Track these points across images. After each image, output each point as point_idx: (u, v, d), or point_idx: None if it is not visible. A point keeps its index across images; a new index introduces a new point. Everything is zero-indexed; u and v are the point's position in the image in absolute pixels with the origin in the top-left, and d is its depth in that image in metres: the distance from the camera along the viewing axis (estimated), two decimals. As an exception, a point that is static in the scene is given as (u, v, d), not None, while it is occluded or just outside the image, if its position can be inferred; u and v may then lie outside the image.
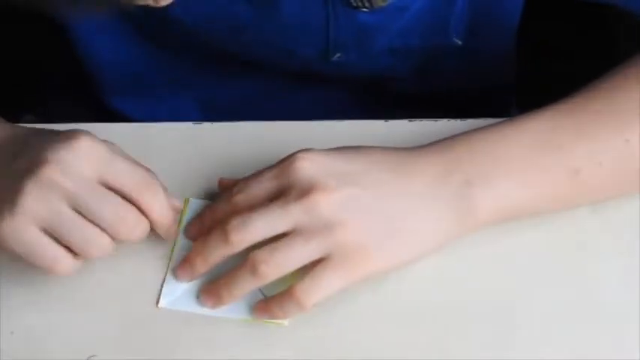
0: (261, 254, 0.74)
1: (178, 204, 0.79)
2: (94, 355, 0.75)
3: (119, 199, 0.75)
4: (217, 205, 0.79)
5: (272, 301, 0.75)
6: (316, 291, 0.74)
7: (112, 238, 0.75)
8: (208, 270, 0.77)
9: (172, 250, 0.80)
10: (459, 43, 0.92)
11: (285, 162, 0.76)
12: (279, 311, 0.75)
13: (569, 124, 0.78)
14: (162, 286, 0.78)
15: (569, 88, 0.80)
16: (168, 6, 0.70)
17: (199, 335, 0.76)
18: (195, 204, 0.82)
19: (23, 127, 0.82)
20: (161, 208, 0.77)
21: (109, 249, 0.75)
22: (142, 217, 0.76)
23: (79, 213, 0.74)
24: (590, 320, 0.76)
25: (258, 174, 0.77)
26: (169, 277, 0.79)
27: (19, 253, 0.74)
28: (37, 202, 0.73)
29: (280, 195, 0.75)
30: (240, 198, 0.77)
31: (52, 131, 0.78)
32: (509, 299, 0.77)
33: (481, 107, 1.01)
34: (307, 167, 0.75)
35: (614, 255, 0.79)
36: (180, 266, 0.78)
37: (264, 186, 0.76)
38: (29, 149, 0.76)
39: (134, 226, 0.75)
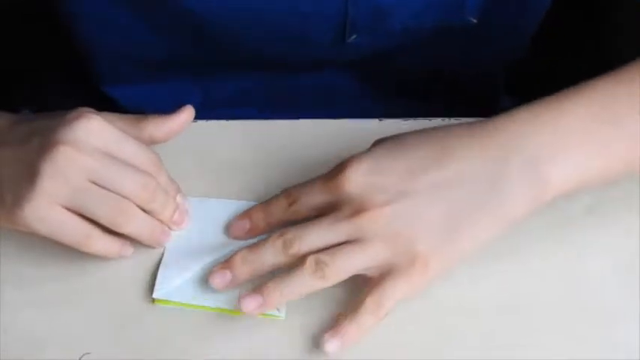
0: (322, 256, 0.74)
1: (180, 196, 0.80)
2: (87, 353, 0.75)
3: (138, 169, 0.76)
4: (272, 210, 0.79)
5: (344, 320, 0.75)
6: (383, 301, 0.74)
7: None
8: (250, 279, 0.77)
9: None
10: (474, 21, 0.91)
11: (333, 175, 0.77)
12: (355, 326, 0.74)
13: (626, 92, 0.77)
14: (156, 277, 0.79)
15: (571, 84, 0.80)
16: None
17: (194, 332, 0.76)
18: (193, 203, 0.82)
19: (25, 114, 0.82)
20: (167, 185, 0.79)
21: (140, 219, 0.76)
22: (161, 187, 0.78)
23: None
24: (591, 320, 0.76)
25: (311, 183, 0.78)
26: (162, 268, 0.79)
27: (48, 235, 0.75)
28: (57, 182, 0.74)
29: (333, 208, 0.76)
30: (295, 208, 0.78)
31: (58, 113, 0.78)
32: (508, 300, 0.77)
33: (474, 89, 1.01)
34: (356, 184, 0.75)
35: (614, 255, 0.79)
36: (218, 271, 0.77)
37: (317, 198, 0.77)
38: (39, 131, 0.77)
39: (154, 191, 0.77)
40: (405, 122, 0.88)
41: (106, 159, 0.75)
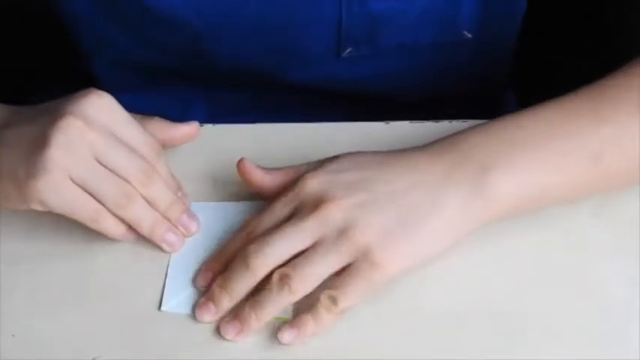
0: (285, 269, 0.73)
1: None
2: (98, 356, 0.74)
3: (140, 156, 0.77)
4: (234, 239, 0.78)
5: (299, 317, 0.74)
6: (344, 296, 0.73)
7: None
8: (234, 305, 0.75)
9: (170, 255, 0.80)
10: (469, 36, 0.92)
11: (293, 186, 0.77)
12: (312, 321, 0.74)
13: (586, 109, 0.76)
14: (163, 289, 0.78)
15: (572, 84, 0.80)
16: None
17: (204, 335, 0.75)
18: (196, 207, 0.82)
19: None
20: (167, 175, 0.79)
21: (141, 205, 0.76)
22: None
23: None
24: (591, 321, 0.76)
25: (269, 205, 0.77)
26: (170, 281, 0.78)
27: (60, 209, 0.75)
28: (67, 153, 0.74)
29: (293, 216, 0.76)
30: (256, 228, 0.76)
31: (65, 97, 0.78)
32: (508, 300, 0.77)
33: (477, 105, 1.01)
34: (314, 184, 0.76)
35: (614, 256, 0.79)
36: (202, 306, 0.76)
37: (277, 213, 0.76)
38: (49, 110, 0.77)
39: (152, 176, 0.77)
40: (412, 124, 0.88)
41: (111, 138, 0.76)
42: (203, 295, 0.77)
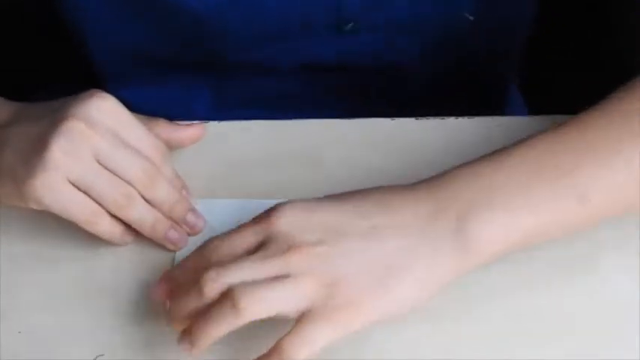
0: (242, 286, 0.69)
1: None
2: (101, 355, 0.75)
3: (141, 154, 0.77)
4: (190, 261, 0.74)
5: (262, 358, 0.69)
6: (302, 345, 0.68)
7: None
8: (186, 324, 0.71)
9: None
10: (471, 18, 0.91)
11: (264, 215, 0.72)
12: None
13: (570, 148, 0.74)
14: None
15: (573, 83, 0.79)
16: None
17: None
18: (204, 204, 0.82)
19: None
20: (172, 176, 0.79)
21: (142, 205, 0.77)
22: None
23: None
24: (591, 321, 0.75)
25: (236, 229, 0.73)
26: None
27: (57, 210, 0.75)
28: (67, 155, 0.75)
29: (258, 249, 0.71)
30: (217, 252, 0.72)
31: (69, 97, 0.79)
32: (508, 299, 0.77)
33: (484, 102, 1.01)
34: (286, 221, 0.71)
35: (614, 255, 0.79)
36: (183, 339, 0.71)
37: (242, 240, 0.72)
38: (51, 110, 0.77)
39: (155, 177, 0.77)
40: (419, 121, 0.88)
41: (114, 140, 0.76)
42: None
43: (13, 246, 0.81)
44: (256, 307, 0.68)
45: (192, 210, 0.81)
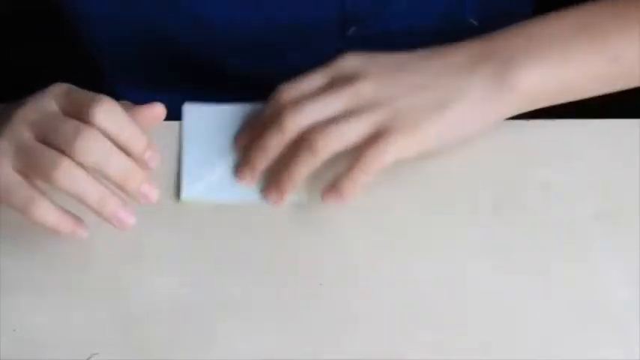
0: (314, 129, 0.77)
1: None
2: (95, 354, 0.75)
3: (89, 127, 0.73)
4: (269, 105, 0.81)
5: (340, 177, 0.78)
6: (379, 156, 0.77)
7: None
8: (268, 165, 0.80)
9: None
10: (475, 23, 0.93)
11: (329, 62, 0.81)
12: (349, 182, 0.78)
13: (609, 13, 0.81)
14: (178, 178, 0.81)
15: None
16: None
17: (200, 333, 0.76)
18: (190, 109, 0.84)
19: None
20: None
21: (84, 177, 0.73)
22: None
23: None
24: (591, 320, 0.75)
25: (305, 75, 0.81)
26: (187, 167, 0.81)
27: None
28: (9, 143, 0.73)
29: (328, 87, 0.80)
30: (290, 94, 0.80)
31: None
32: (509, 300, 0.77)
33: None
34: (350, 61, 0.81)
35: (614, 256, 0.79)
36: (241, 169, 0.81)
37: (312, 82, 0.81)
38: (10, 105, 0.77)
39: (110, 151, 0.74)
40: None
41: (52, 115, 0.74)
42: (219, 182, 0.81)
43: (7, 245, 0.80)
44: (330, 144, 0.78)
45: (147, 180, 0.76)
